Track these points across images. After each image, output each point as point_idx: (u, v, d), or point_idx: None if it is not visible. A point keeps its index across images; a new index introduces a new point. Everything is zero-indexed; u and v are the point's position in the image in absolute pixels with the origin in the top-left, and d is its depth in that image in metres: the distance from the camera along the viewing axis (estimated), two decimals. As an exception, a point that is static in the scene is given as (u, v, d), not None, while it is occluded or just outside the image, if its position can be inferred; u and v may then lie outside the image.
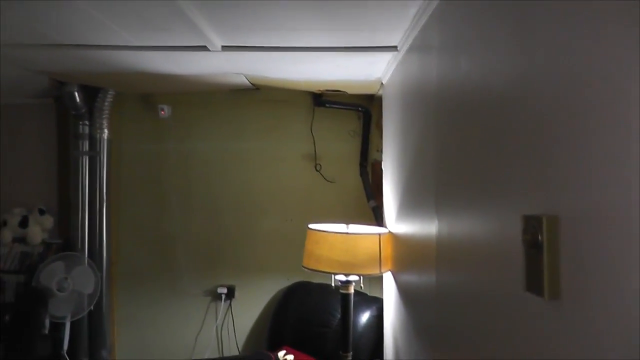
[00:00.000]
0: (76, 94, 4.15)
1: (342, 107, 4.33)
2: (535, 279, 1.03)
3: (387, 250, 3.08)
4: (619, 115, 0.81)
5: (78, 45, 2.86)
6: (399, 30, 2.52)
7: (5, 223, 4.48)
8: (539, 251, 1.01)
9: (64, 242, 4.55)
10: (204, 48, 2.79)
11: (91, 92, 4.29)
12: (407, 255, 2.67)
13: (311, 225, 3.23)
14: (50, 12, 2.31)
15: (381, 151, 3.77)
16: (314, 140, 4.42)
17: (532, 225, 1.03)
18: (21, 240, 4.48)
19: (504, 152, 1.28)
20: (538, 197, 1.07)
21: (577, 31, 0.95)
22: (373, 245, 3.05)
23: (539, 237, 1.01)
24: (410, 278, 2.60)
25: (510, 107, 1.25)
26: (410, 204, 2.58)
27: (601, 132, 0.85)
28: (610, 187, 0.82)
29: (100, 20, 2.40)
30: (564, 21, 1.00)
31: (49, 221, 4.58)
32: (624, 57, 0.80)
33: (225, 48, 2.82)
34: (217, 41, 2.73)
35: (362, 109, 4.32)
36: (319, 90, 4.19)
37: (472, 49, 1.60)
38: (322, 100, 4.30)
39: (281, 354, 3.61)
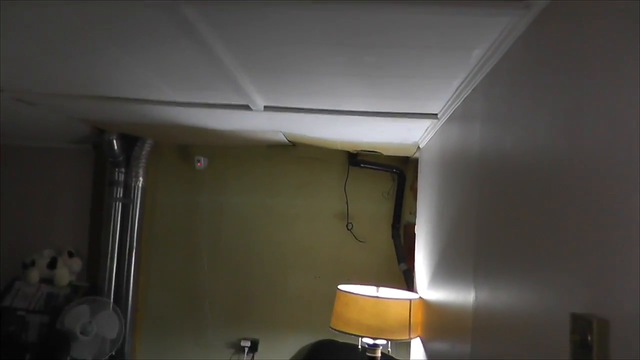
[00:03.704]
0: (115, 142, 4.22)
1: (377, 168, 4.33)
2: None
3: (418, 317, 3.04)
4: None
5: (123, 99, 2.92)
6: (440, 100, 2.53)
7: (33, 263, 4.50)
8: (587, 353, 0.98)
9: (91, 286, 4.56)
10: (246, 107, 2.84)
11: (129, 141, 4.37)
12: (440, 323, 2.62)
13: (341, 287, 3.21)
14: (98, 67, 2.37)
15: (414, 214, 3.75)
16: (347, 199, 4.42)
17: (581, 325, 1.01)
18: (48, 281, 4.49)
19: (551, 231, 1.26)
20: (586, 292, 1.05)
21: (630, 103, 0.94)
22: (403, 311, 3.01)
23: (588, 339, 0.98)
24: (442, 346, 2.55)
25: (557, 186, 1.24)
26: (446, 272, 2.55)
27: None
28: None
29: (147, 78, 2.45)
30: (614, 95, 0.99)
31: (77, 264, 4.60)
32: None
33: (267, 108, 2.87)
34: (260, 102, 2.77)
35: (397, 171, 4.31)
36: (355, 150, 4.21)
37: (517, 121, 1.60)
38: (357, 160, 4.31)
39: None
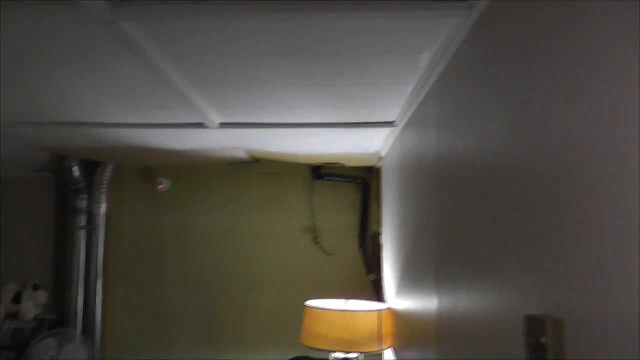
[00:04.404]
0: (75, 168, 4.14)
1: (341, 179, 4.32)
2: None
3: (388, 327, 3.02)
4: (623, 210, 0.78)
5: (77, 123, 2.87)
6: (396, 107, 2.53)
7: (-3, 299, 4.40)
8: (542, 354, 0.97)
9: (58, 317, 4.45)
10: (201, 125, 2.80)
11: (90, 166, 4.29)
12: (408, 331, 2.60)
13: (309, 302, 3.18)
14: (48, 92, 2.33)
15: (380, 223, 3.74)
16: (313, 213, 4.39)
17: (535, 327, 0.99)
18: (14, 316, 4.38)
19: (505, 232, 1.25)
20: (540, 293, 1.04)
21: (575, 99, 0.93)
22: (372, 322, 2.99)
23: (542, 340, 0.97)
24: (411, 355, 2.53)
25: (507, 188, 1.24)
26: (410, 279, 2.53)
27: (603, 225, 0.82)
28: (617, 290, 0.79)
29: (98, 100, 2.41)
30: (559, 92, 0.99)
31: (43, 296, 4.50)
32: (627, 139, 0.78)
33: (223, 125, 2.83)
34: (215, 118, 2.73)
35: (361, 181, 4.31)
36: (318, 162, 4.19)
37: (468, 124, 1.59)
38: (321, 172, 4.29)
39: None
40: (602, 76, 0.83)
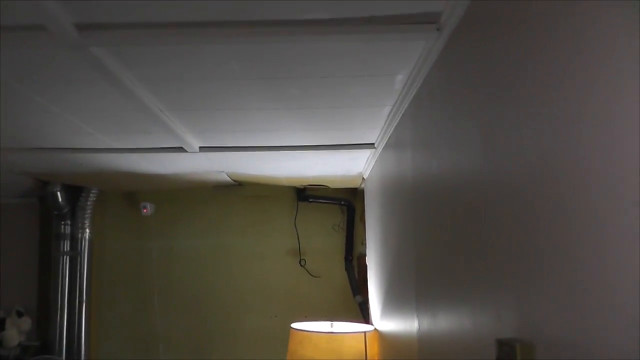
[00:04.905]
0: (59, 193, 4.12)
1: (326, 201, 4.32)
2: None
3: (374, 349, 2.99)
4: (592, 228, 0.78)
5: (59, 149, 2.87)
6: (375, 129, 2.53)
7: (-20, 326, 4.34)
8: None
9: (42, 344, 4.39)
10: (181, 149, 2.80)
11: (74, 192, 4.27)
12: (393, 354, 2.58)
13: (294, 325, 3.15)
14: (26, 118, 2.32)
15: (365, 245, 3.73)
16: (298, 235, 4.38)
17: (506, 352, 0.98)
18: (-3, 343, 4.33)
19: (478, 255, 1.24)
20: (512, 315, 1.03)
21: (539, 124, 0.93)
22: (358, 345, 2.96)
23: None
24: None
25: (478, 210, 1.23)
26: (393, 301, 2.52)
27: (574, 247, 0.82)
28: (588, 313, 0.78)
29: (77, 125, 2.40)
30: (522, 112, 0.99)
31: (26, 323, 4.44)
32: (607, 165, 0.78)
33: (202, 149, 2.83)
34: (194, 143, 2.73)
35: (346, 203, 4.31)
36: (302, 185, 4.19)
37: (441, 145, 1.60)
38: (306, 194, 4.29)
39: None
40: (569, 94, 0.83)
